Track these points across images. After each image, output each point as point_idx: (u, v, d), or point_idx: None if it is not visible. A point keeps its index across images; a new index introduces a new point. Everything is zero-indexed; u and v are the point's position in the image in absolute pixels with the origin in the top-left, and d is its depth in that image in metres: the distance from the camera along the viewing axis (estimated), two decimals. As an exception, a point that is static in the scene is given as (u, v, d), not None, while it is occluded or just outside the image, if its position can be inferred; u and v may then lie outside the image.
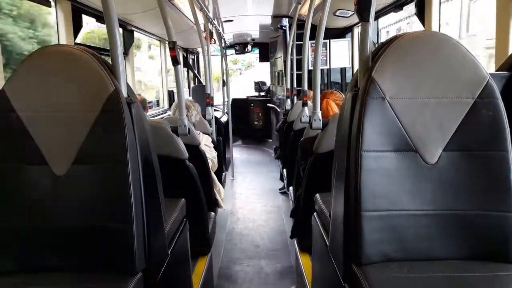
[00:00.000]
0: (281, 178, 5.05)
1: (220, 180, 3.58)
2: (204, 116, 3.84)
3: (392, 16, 3.87)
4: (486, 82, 1.27)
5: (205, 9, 3.96)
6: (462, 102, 1.27)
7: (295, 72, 4.99)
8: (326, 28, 2.49)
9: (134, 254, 1.28)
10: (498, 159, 1.26)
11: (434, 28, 2.82)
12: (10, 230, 1.31)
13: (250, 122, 8.89)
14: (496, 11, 1.99)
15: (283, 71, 5.92)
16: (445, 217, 1.28)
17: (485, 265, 1.24)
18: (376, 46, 1.39)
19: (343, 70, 5.53)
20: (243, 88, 11.34)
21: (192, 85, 7.50)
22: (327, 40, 5.00)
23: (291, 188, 3.70)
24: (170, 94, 5.99)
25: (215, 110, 5.03)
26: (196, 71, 7.93)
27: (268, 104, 8.01)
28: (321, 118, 2.49)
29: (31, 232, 1.31)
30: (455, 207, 1.27)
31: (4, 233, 1.31)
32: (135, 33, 4.43)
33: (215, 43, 5.57)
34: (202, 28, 4.18)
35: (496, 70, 1.88)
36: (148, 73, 6.98)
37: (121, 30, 4.11)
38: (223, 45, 6.45)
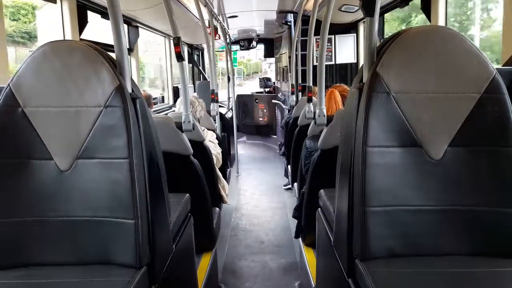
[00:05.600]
0: (286, 174, 5.05)
1: (224, 176, 3.58)
2: (208, 112, 3.84)
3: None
4: (492, 77, 1.26)
5: (209, 4, 3.96)
6: (468, 98, 1.26)
7: (300, 68, 4.98)
8: (331, 24, 2.49)
9: (139, 248, 1.29)
10: (504, 155, 1.25)
11: (440, 22, 2.80)
12: (15, 225, 1.32)
13: (255, 118, 8.89)
14: (504, 6, 1.97)
15: (288, 67, 5.91)
16: (450, 213, 1.27)
17: (490, 261, 1.24)
18: (382, 41, 1.38)
19: (348, 66, 5.51)
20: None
21: (197, 81, 7.50)
22: (332, 36, 4.99)
23: (295, 184, 3.70)
24: (175, 90, 5.99)
25: (220, 106, 5.03)
26: (201, 67, 7.93)
27: (273, 100, 8.01)
28: (325, 114, 2.49)
29: (36, 226, 1.32)
30: (460, 203, 1.27)
31: (9, 228, 1.32)
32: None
33: (219, 39, 5.56)
34: (206, 23, 4.17)
35: (503, 65, 1.86)
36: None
37: (125, 26, 4.12)
38: (228, 41, 6.44)
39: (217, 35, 5.25)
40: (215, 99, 3.97)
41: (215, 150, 3.23)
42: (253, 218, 4.24)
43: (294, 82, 5.16)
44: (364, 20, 1.37)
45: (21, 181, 1.31)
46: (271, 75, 10.90)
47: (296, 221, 2.76)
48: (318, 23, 2.74)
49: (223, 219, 3.51)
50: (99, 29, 3.27)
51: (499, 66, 1.86)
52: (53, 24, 2.84)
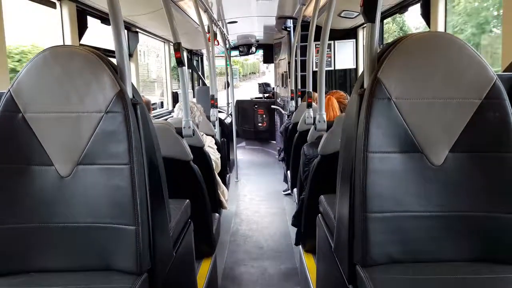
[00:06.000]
0: (285, 180, 5.04)
1: (224, 181, 3.58)
2: (208, 117, 3.85)
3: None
4: (493, 83, 1.26)
5: (209, 10, 3.97)
6: (469, 103, 1.26)
7: (299, 74, 4.99)
8: (330, 29, 2.49)
9: (139, 254, 1.28)
10: (505, 161, 1.25)
11: (440, 28, 2.81)
12: (15, 231, 1.31)
13: (254, 123, 8.89)
14: (503, 11, 1.98)
15: (288, 72, 5.92)
16: (451, 219, 1.27)
17: (492, 267, 1.23)
18: (382, 47, 1.39)
19: (347, 71, 5.52)
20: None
21: (196, 86, 7.50)
22: (332, 41, 5.00)
23: (295, 190, 3.69)
24: (175, 95, 5.99)
25: (219, 111, 5.03)
26: (200, 73, 7.94)
27: (273, 106, 8.02)
28: (325, 120, 2.49)
29: (36, 232, 1.31)
30: (461, 209, 1.27)
31: (10, 234, 1.31)
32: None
33: (219, 44, 5.57)
34: (206, 29, 4.18)
35: (503, 71, 1.87)
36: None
37: (125, 31, 4.12)
38: (227, 46, 6.45)
39: (216, 40, 5.26)
40: (214, 105, 3.98)
41: (214, 156, 3.23)
42: (252, 224, 4.23)
43: (293, 88, 5.17)
44: (364, 26, 1.38)
45: (21, 187, 1.31)
46: (270, 76, 10.83)
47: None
48: (318, 28, 2.75)
49: (222, 225, 3.50)
50: (96, 35, 3.26)
51: (500, 72, 1.86)
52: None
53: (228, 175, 4.51)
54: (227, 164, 4.85)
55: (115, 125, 1.28)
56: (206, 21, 4.16)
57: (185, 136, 2.27)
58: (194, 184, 2.35)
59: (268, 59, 9.16)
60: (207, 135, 3.42)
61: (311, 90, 3.12)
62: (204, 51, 7.80)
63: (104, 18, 3.24)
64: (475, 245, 1.27)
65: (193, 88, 7.31)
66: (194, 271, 2.12)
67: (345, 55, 5.07)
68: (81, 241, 1.31)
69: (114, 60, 1.40)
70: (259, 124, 8.83)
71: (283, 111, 6.70)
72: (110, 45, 1.41)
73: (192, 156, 2.30)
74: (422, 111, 1.27)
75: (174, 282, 1.65)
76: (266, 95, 9.48)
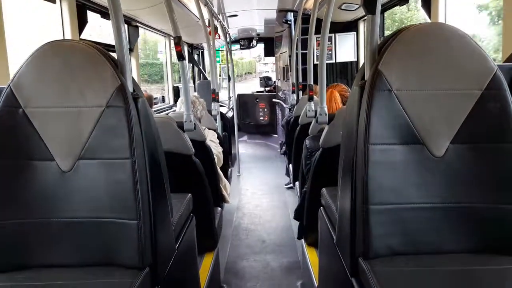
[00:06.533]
0: (287, 173, 5.05)
1: (226, 175, 3.58)
2: (209, 111, 3.84)
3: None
4: (493, 73, 1.25)
5: (209, 3, 3.95)
6: (470, 94, 1.26)
7: (300, 67, 4.98)
8: (331, 22, 2.48)
9: (142, 249, 1.29)
10: (506, 151, 1.25)
11: (441, 19, 2.80)
12: (17, 226, 1.31)
13: (256, 117, 8.89)
14: (504, 3, 1.96)
15: (289, 65, 5.90)
16: (453, 210, 1.27)
17: (493, 259, 1.23)
18: (382, 39, 1.38)
19: (348, 64, 5.51)
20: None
21: (197, 80, 7.50)
22: (333, 34, 4.99)
23: (297, 183, 3.69)
24: (176, 89, 5.99)
25: (220, 105, 5.03)
26: (201, 67, 7.93)
27: (274, 99, 8.01)
28: (327, 113, 2.49)
29: (38, 228, 1.31)
30: (462, 200, 1.27)
31: (11, 229, 1.31)
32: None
33: (219, 38, 5.56)
34: (206, 23, 4.17)
35: (504, 62, 1.86)
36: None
37: (126, 26, 4.11)
38: (228, 40, 6.44)
39: (217, 34, 5.24)
40: (216, 99, 3.97)
41: (216, 150, 3.23)
42: (254, 218, 4.24)
43: (294, 81, 5.16)
44: (365, 18, 1.37)
45: (22, 182, 1.31)
46: (269, 75, 10.79)
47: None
48: (318, 21, 2.74)
49: (224, 219, 3.51)
50: (96, 28, 3.24)
51: (500, 63, 1.86)
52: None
53: (230, 169, 4.52)
54: (229, 158, 4.86)
55: (116, 120, 1.28)
56: (206, 15, 4.15)
57: (187, 130, 2.27)
58: (196, 178, 2.35)
59: (269, 52, 9.15)
60: (209, 129, 3.42)
61: (312, 83, 3.11)
62: (204, 45, 7.78)
63: (104, 13, 3.23)
64: (475, 236, 1.27)
65: (194, 82, 7.30)
66: (196, 265, 2.13)
67: (346, 48, 5.06)
68: (83, 236, 1.31)
69: (114, 55, 1.40)
70: (261, 118, 8.83)
71: (284, 105, 6.69)
72: (111, 39, 1.41)
73: (193, 150, 2.30)
74: (423, 102, 1.26)
75: (176, 276, 1.65)
76: (267, 88, 9.48)
